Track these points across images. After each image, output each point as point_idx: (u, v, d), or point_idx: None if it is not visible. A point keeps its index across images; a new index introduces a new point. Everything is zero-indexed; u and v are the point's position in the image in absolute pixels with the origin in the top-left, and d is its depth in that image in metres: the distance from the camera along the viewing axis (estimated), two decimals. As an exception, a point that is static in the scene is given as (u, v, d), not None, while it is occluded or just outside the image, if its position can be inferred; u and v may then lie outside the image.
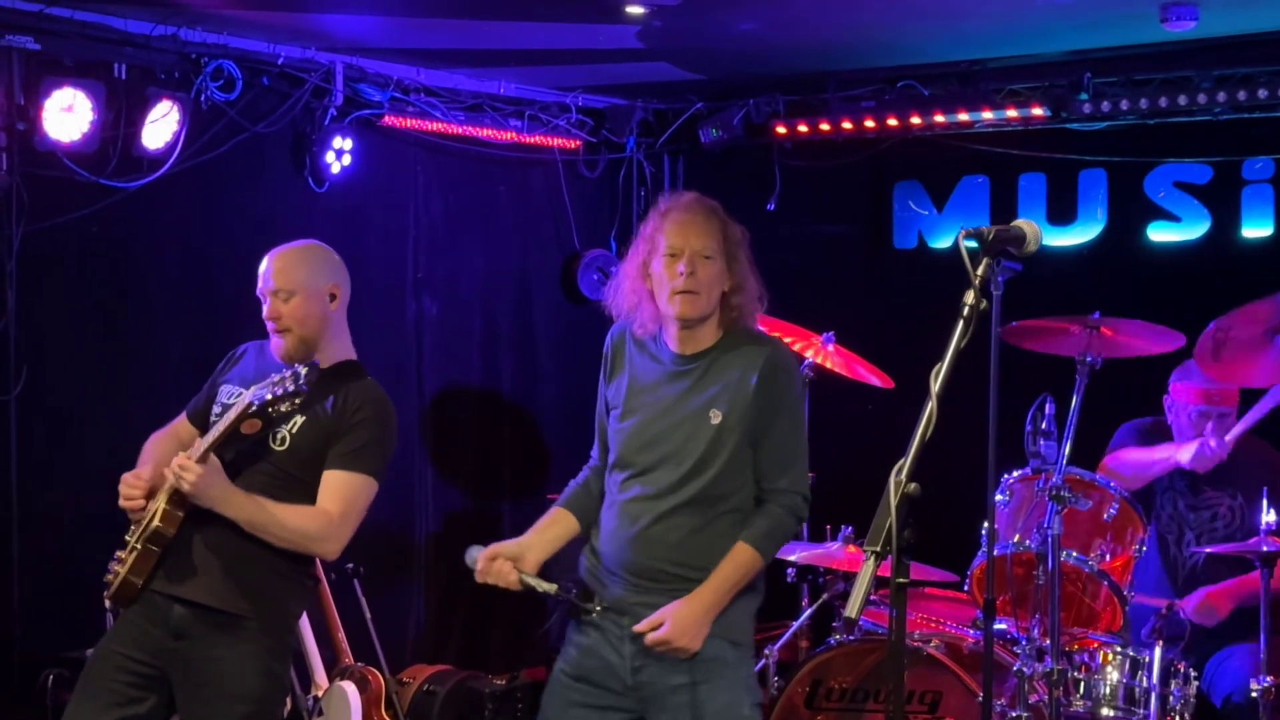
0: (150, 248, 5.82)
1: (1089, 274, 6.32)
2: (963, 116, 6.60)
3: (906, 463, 2.80)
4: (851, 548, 5.35)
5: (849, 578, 5.44)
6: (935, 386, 2.88)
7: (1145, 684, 4.89)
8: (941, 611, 5.35)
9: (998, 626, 4.90)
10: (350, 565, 5.81)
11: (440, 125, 6.67)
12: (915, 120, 6.69)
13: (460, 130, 6.75)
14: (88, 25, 5.44)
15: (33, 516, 5.40)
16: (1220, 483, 5.51)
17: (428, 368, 6.85)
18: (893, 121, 6.73)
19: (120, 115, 5.45)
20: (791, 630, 5.64)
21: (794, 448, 3.92)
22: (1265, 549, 4.90)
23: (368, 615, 5.93)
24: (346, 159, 6.29)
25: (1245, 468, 5.43)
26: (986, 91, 6.54)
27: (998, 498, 5.05)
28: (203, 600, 3.99)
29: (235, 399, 4.06)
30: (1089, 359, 4.90)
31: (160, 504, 3.95)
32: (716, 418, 3.83)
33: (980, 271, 2.99)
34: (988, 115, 6.55)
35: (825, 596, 5.69)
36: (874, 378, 5.87)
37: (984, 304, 2.95)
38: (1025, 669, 4.69)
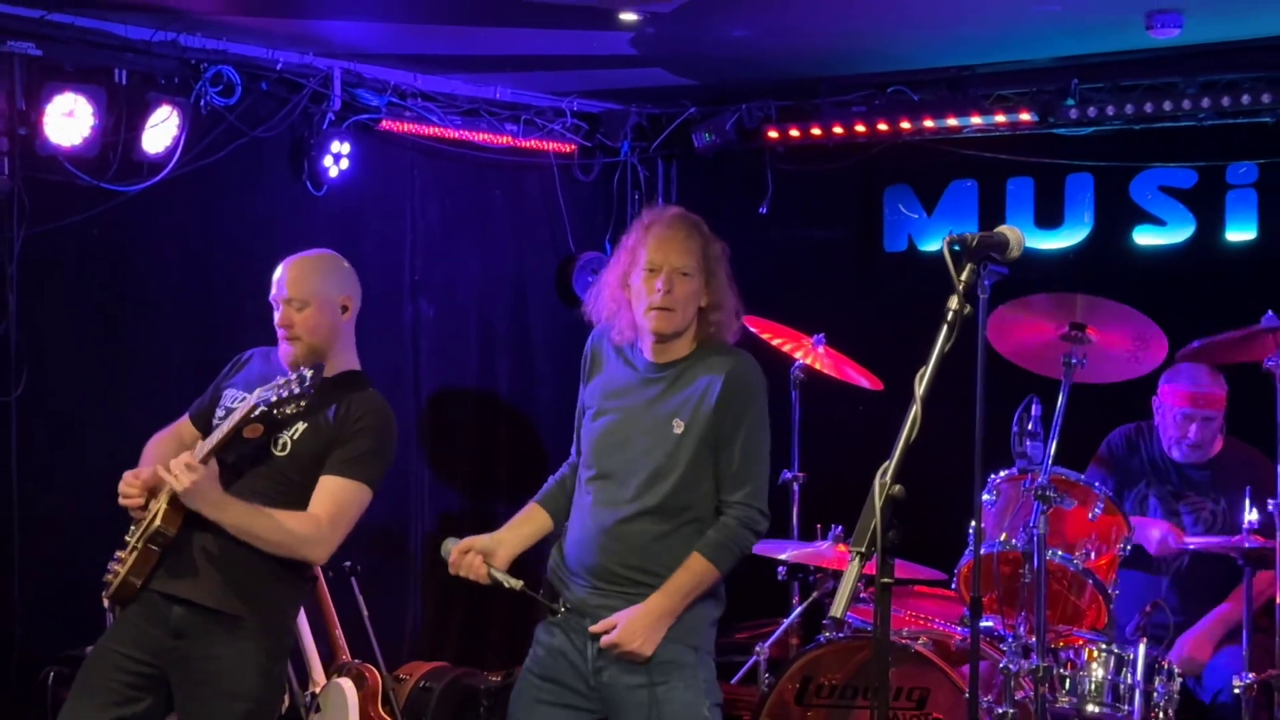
0: (150, 251, 5.82)
1: (1076, 277, 6.31)
2: (952, 122, 6.60)
3: (891, 465, 2.80)
4: (841, 546, 5.36)
5: (838, 576, 5.40)
6: (920, 390, 2.88)
7: (1130, 680, 4.89)
8: (929, 609, 5.35)
9: (984, 624, 4.90)
10: (348, 564, 5.81)
11: (437, 130, 6.68)
12: (905, 125, 6.69)
13: (456, 135, 6.75)
14: (88, 31, 5.44)
15: (33, 517, 5.40)
16: (1203, 487, 5.53)
17: (425, 370, 6.85)
18: (883, 126, 6.74)
19: (121, 120, 5.45)
20: (782, 628, 5.65)
21: (752, 462, 3.92)
22: (1247, 545, 4.92)
23: (365, 613, 5.93)
24: (344, 163, 6.30)
25: (1228, 471, 5.45)
26: (975, 97, 6.54)
27: (984, 497, 5.05)
28: (201, 601, 4.00)
29: (239, 403, 4.07)
30: (1074, 361, 4.92)
31: (161, 504, 3.95)
32: (679, 427, 3.85)
33: (964, 277, 3.00)
34: (976, 120, 6.55)
35: (815, 594, 5.70)
36: (864, 380, 5.88)
37: (968, 309, 2.96)
38: (1011, 666, 4.69)
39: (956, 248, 3.04)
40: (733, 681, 5.87)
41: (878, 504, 2.77)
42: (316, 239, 6.26)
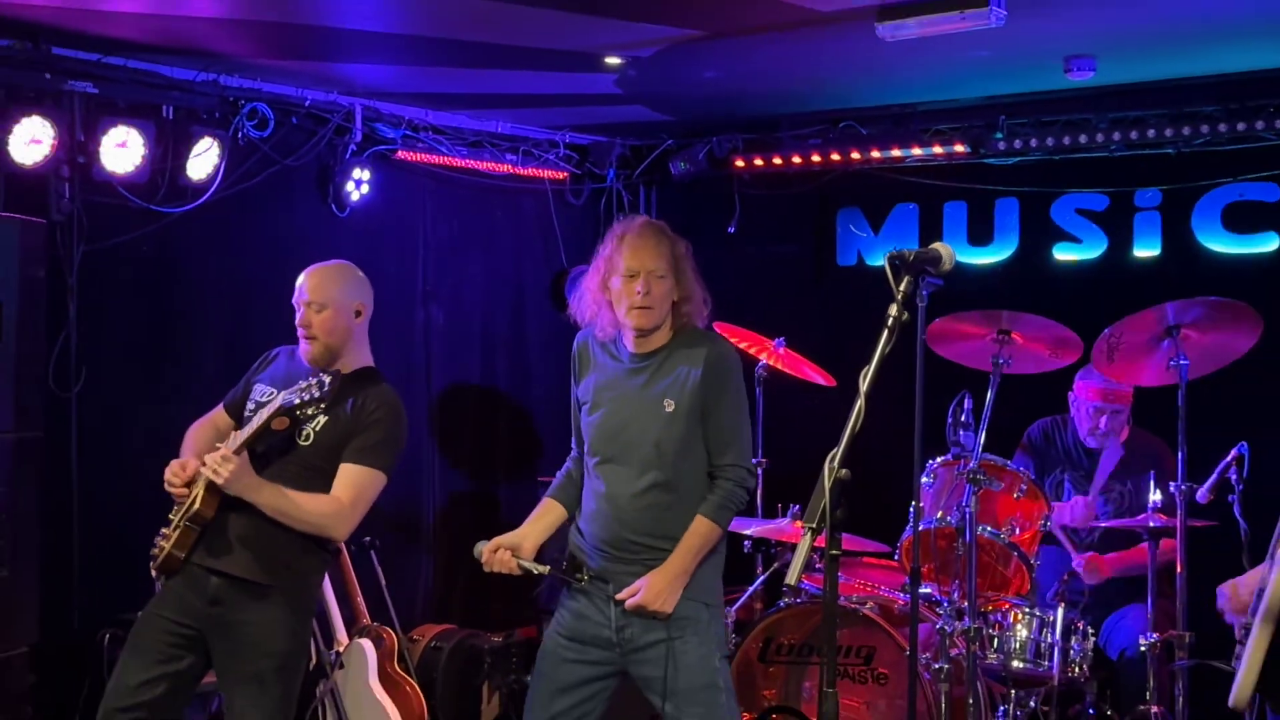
0: (194, 265, 5.79)
1: (1004, 288, 6.32)
2: (895, 152, 6.59)
3: (839, 451, 2.80)
4: (798, 523, 5.36)
5: (795, 549, 5.45)
6: (864, 386, 2.88)
7: (1050, 640, 4.92)
8: (875, 578, 5.36)
9: (923, 590, 4.91)
10: (368, 539, 5.81)
11: (446, 159, 6.66)
12: (855, 155, 6.68)
13: (463, 163, 6.74)
14: (139, 72, 5.42)
15: (91, 497, 5.38)
16: (1113, 472, 5.53)
17: (435, 368, 6.83)
18: (835, 156, 6.73)
19: (168, 150, 5.43)
20: (747, 594, 5.65)
21: (736, 428, 3.92)
22: (1152, 524, 4.93)
23: (383, 581, 5.93)
24: (365, 188, 6.28)
25: (1134, 458, 5.46)
26: (915, 131, 6.54)
27: (923, 480, 5.07)
28: (236, 572, 3.99)
29: (268, 398, 4.06)
30: (1001, 361, 4.92)
31: (200, 490, 3.95)
32: (670, 406, 3.85)
33: (903, 287, 3.00)
34: (917, 151, 6.55)
35: (776, 565, 5.70)
36: (819, 377, 5.88)
37: (906, 315, 2.96)
38: (947, 627, 4.71)
39: (896, 262, 3.05)
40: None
41: (827, 485, 2.77)
42: (340, 255, 6.19)
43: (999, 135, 6.33)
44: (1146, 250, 6.28)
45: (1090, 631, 5.00)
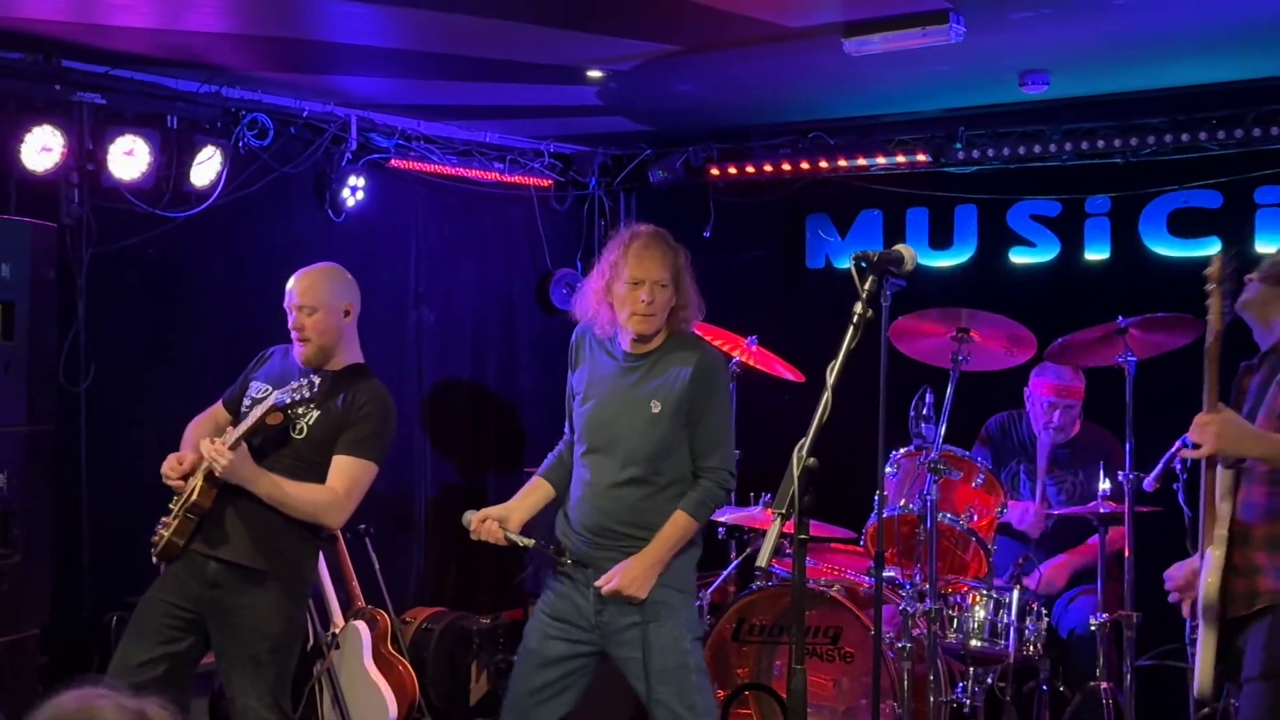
0: (197, 267, 5.76)
1: (963, 289, 6.33)
2: (861, 161, 6.60)
3: (806, 441, 2.80)
4: (768, 510, 5.36)
5: (766, 534, 5.45)
6: (830, 380, 2.89)
7: (1006, 620, 4.94)
8: (841, 562, 5.37)
9: (887, 574, 4.92)
10: (362, 527, 5.80)
11: (437, 167, 6.64)
12: (823, 164, 6.69)
13: (453, 171, 6.71)
14: (145, 84, 5.39)
15: (98, 487, 5.36)
16: (1065, 463, 5.56)
17: (427, 365, 6.81)
18: (805, 165, 6.73)
19: (172, 158, 5.39)
20: (721, 578, 5.65)
21: (721, 432, 3.93)
22: (1102, 510, 4.96)
23: (376, 566, 5.92)
24: (360, 195, 6.24)
25: (1085, 450, 5.49)
26: (880, 141, 6.54)
27: (887, 469, 5.08)
28: (234, 558, 3.98)
29: (263, 394, 4.06)
30: (960, 358, 4.94)
31: (198, 481, 3.94)
32: (657, 407, 3.85)
33: (868, 287, 3.00)
34: (881, 160, 6.56)
35: (749, 550, 5.68)
36: (789, 374, 5.88)
37: (870, 313, 2.97)
38: (909, 608, 4.73)
39: (862, 263, 3.06)
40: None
41: (795, 473, 2.77)
42: (336, 259, 6.16)
43: (958, 145, 6.34)
44: (1097, 254, 6.30)
45: (1043, 612, 5.02)
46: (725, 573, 5.67)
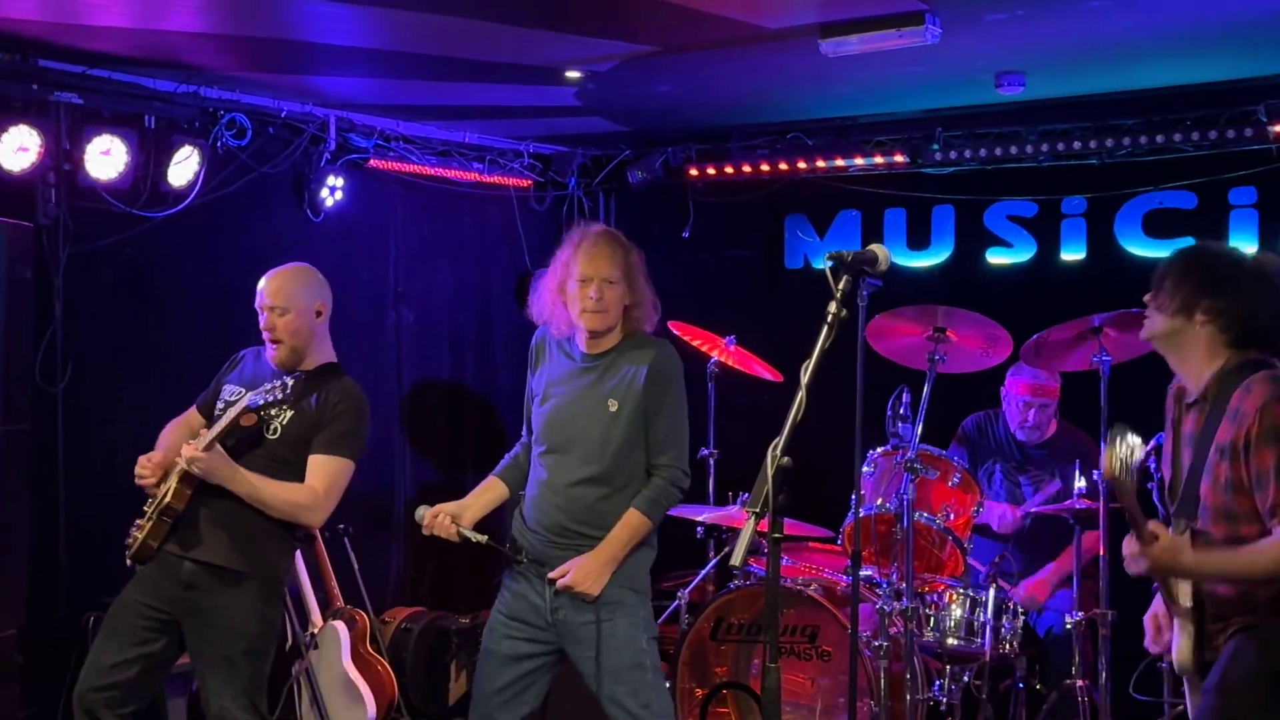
0: (174, 267, 5.73)
1: (940, 290, 6.34)
2: (839, 162, 6.61)
3: (781, 440, 2.80)
4: (745, 510, 5.36)
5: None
6: (805, 379, 2.89)
7: (982, 618, 4.95)
8: (819, 561, 5.38)
9: (864, 573, 4.93)
10: (341, 526, 5.79)
11: (416, 167, 6.62)
12: (801, 165, 6.70)
13: (432, 171, 6.70)
14: (123, 84, 5.36)
15: (75, 487, 5.33)
16: (1041, 462, 5.58)
17: (405, 365, 6.80)
18: (783, 166, 6.74)
19: (150, 158, 5.37)
20: (700, 577, 5.65)
21: (675, 431, 3.93)
22: (1077, 508, 4.97)
23: (355, 566, 5.90)
24: (339, 195, 6.23)
25: (1061, 448, 5.50)
26: (858, 142, 6.56)
27: (864, 469, 5.08)
28: (209, 559, 3.97)
29: (236, 397, 4.04)
30: (937, 358, 4.95)
31: (173, 483, 3.92)
32: (614, 406, 3.86)
33: (842, 287, 3.00)
34: (859, 161, 6.57)
35: (727, 549, 5.70)
36: (767, 373, 5.89)
37: (845, 313, 2.96)
38: (886, 607, 4.73)
39: (836, 263, 3.06)
40: (659, 622, 5.85)
41: (769, 472, 2.77)
42: (314, 259, 6.15)
43: (935, 146, 6.35)
44: (1073, 254, 6.32)
45: (1020, 610, 5.04)
46: (703, 572, 5.67)
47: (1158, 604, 3.47)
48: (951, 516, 5.06)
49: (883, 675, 4.63)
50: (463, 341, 7.08)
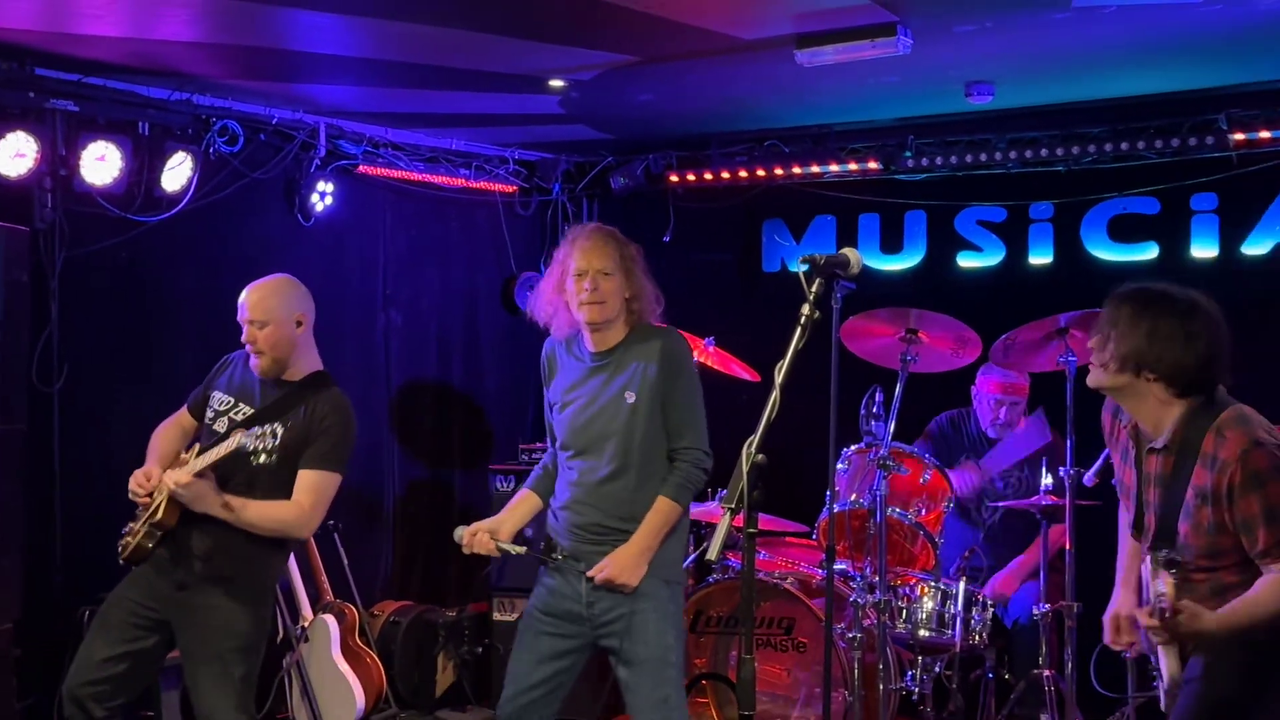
0: (168, 270, 5.72)
1: (913, 292, 6.36)
2: (815, 169, 6.63)
3: (756, 438, 2.81)
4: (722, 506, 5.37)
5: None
6: (779, 378, 2.90)
7: (953, 610, 4.97)
8: (795, 555, 5.39)
9: (838, 566, 4.95)
10: (331, 522, 5.78)
11: (404, 173, 6.62)
12: (778, 172, 6.72)
13: (420, 177, 6.70)
14: (117, 92, 5.35)
15: (71, 486, 5.31)
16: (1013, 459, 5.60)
17: (394, 367, 6.79)
18: (761, 172, 6.76)
19: (144, 164, 5.36)
20: (680, 571, 5.65)
21: (691, 413, 3.91)
22: (1045, 504, 5.00)
23: (345, 561, 5.91)
24: (329, 200, 6.23)
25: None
26: (833, 149, 6.58)
27: (838, 466, 5.11)
28: (202, 562, 3.96)
29: (225, 406, 4.06)
30: (909, 358, 4.97)
31: (163, 499, 3.90)
32: (631, 398, 3.84)
33: (815, 289, 3.01)
34: (834, 168, 6.59)
35: (705, 544, 5.70)
36: (746, 374, 5.89)
37: (818, 315, 2.97)
38: (860, 600, 4.74)
39: (808, 266, 3.06)
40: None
41: (744, 469, 2.78)
42: (305, 262, 6.19)
43: (908, 154, 6.38)
44: (1040, 258, 6.34)
45: (989, 603, 5.06)
46: (683, 566, 5.66)
47: (1115, 604, 3.51)
48: (923, 511, 5.09)
49: (857, 666, 4.65)
50: (450, 343, 7.08)
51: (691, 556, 5.70)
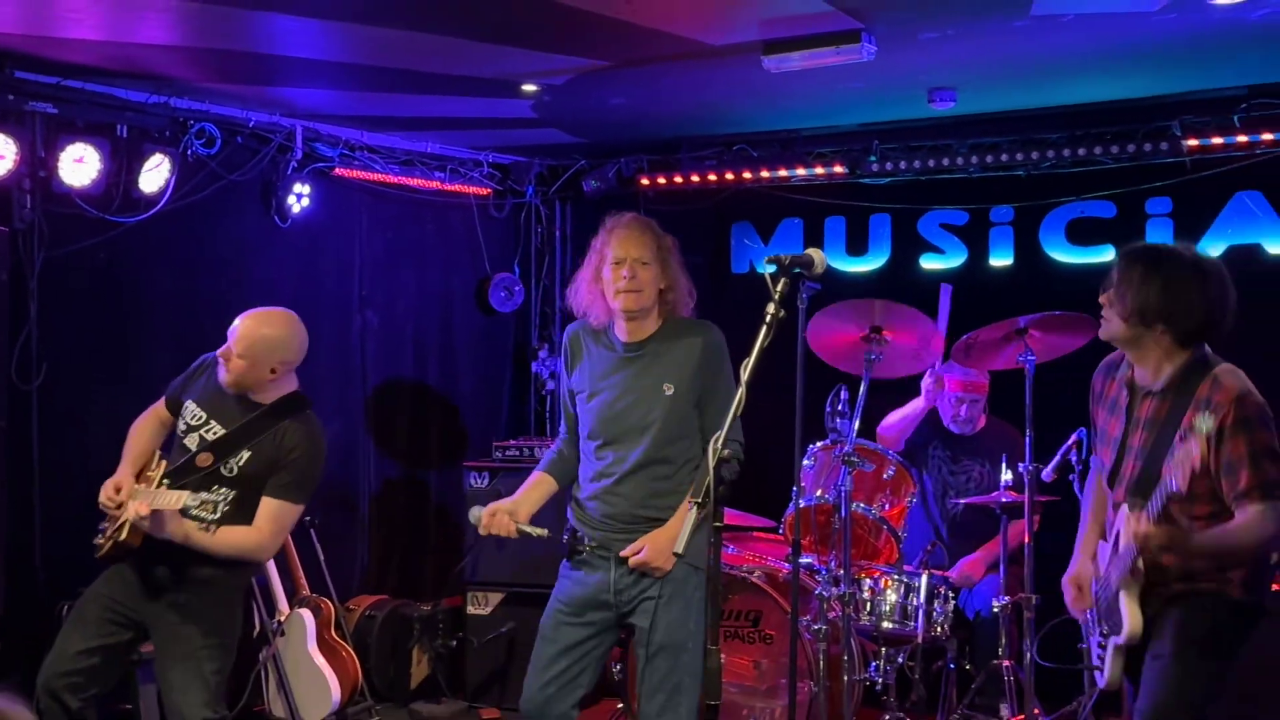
0: (146, 270, 5.67)
1: (877, 292, 6.34)
2: (782, 172, 6.64)
3: (722, 434, 2.82)
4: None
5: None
6: (744, 376, 2.91)
7: (915, 603, 4.98)
8: (762, 550, 5.39)
9: (804, 560, 4.95)
10: (308, 519, 5.74)
11: (380, 176, 6.59)
12: (747, 175, 6.72)
13: (396, 180, 6.67)
14: (96, 94, 5.31)
15: (50, 483, 5.27)
16: (973, 454, 5.62)
17: (370, 366, 6.75)
18: (730, 176, 6.76)
19: (122, 165, 5.32)
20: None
21: (731, 406, 3.86)
22: (1004, 500, 5.02)
23: (321, 557, 5.87)
24: (305, 201, 6.19)
25: (990, 443, 5.55)
26: (800, 154, 6.58)
27: (804, 462, 5.11)
28: (176, 566, 3.93)
29: (197, 420, 4.02)
30: (873, 357, 4.98)
31: (127, 518, 3.86)
32: (669, 389, 3.80)
33: (780, 289, 3.01)
34: (801, 172, 6.60)
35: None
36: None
37: (783, 314, 2.98)
38: (825, 592, 4.75)
39: (774, 267, 3.07)
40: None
41: (710, 464, 2.78)
42: (282, 263, 6.19)
43: (873, 158, 6.39)
44: (1001, 260, 6.37)
45: (951, 595, 5.08)
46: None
47: (1074, 568, 3.64)
48: (886, 506, 5.10)
49: (822, 657, 4.66)
50: (426, 344, 7.05)
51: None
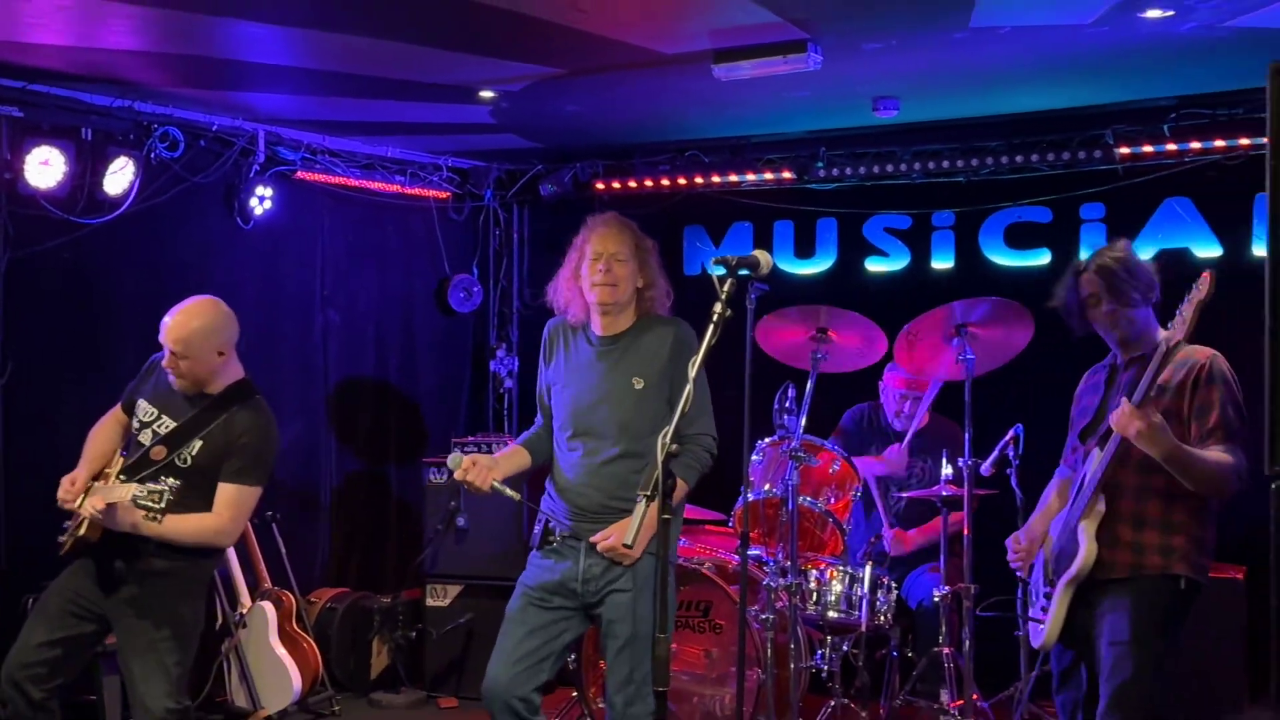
0: (111, 271, 5.63)
1: (824, 294, 6.40)
2: (732, 178, 6.68)
3: (670, 430, 2.84)
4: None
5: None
6: (692, 373, 2.93)
7: (860, 593, 5.02)
8: (712, 542, 5.41)
9: (753, 552, 4.98)
10: (270, 513, 5.73)
11: (341, 179, 6.57)
12: (698, 180, 6.75)
13: (357, 183, 6.65)
14: (61, 98, 5.27)
15: (16, 478, 5.22)
16: (916, 451, 5.67)
17: (332, 364, 6.73)
18: (682, 181, 6.79)
19: (87, 168, 5.29)
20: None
21: (701, 402, 3.84)
22: (944, 494, 5.07)
23: (283, 550, 5.85)
24: (268, 204, 6.16)
25: (932, 439, 5.60)
26: (750, 159, 6.62)
27: (753, 457, 5.13)
28: (138, 559, 3.91)
29: (150, 418, 4.00)
30: (820, 356, 5.02)
31: (86, 515, 3.83)
32: (639, 384, 3.81)
33: (727, 289, 3.04)
34: (751, 177, 6.64)
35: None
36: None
37: (730, 313, 3.00)
38: (773, 583, 4.78)
39: (721, 268, 3.09)
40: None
41: (659, 459, 2.80)
42: (245, 264, 6.16)
43: (820, 164, 6.44)
44: (942, 263, 6.44)
45: (893, 586, 5.12)
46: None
47: (1023, 531, 3.92)
48: (832, 500, 5.13)
49: (769, 646, 4.68)
50: (386, 343, 7.03)
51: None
